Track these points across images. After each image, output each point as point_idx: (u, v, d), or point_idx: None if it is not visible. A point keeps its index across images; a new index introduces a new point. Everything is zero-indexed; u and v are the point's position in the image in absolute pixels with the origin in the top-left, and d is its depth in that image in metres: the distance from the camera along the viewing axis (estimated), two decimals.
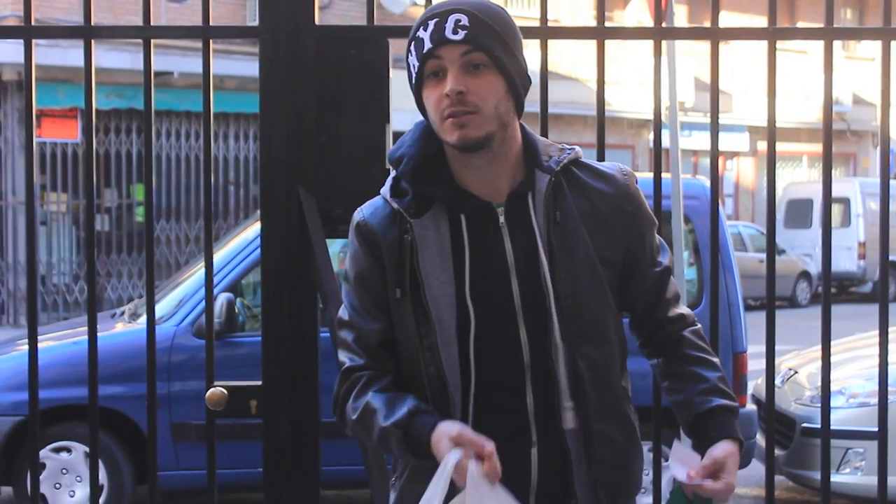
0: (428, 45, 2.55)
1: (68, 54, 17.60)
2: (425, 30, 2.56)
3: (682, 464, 2.63)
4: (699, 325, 2.80)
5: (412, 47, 2.59)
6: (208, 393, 4.12)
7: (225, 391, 4.11)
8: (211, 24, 4.26)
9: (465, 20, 2.53)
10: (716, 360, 2.76)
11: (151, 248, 4.27)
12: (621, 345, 2.72)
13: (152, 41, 4.27)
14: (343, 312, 2.73)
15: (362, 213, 2.73)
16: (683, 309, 2.79)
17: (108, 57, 18.29)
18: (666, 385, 2.78)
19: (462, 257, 2.60)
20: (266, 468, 4.13)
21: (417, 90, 2.61)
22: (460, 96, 2.52)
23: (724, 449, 2.61)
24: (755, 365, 7.73)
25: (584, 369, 2.60)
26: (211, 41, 4.24)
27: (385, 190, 2.71)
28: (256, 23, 4.15)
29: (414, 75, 2.60)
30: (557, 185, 2.62)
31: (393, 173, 2.71)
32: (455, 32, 2.53)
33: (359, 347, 2.68)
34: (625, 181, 2.70)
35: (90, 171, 4.25)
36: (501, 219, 2.62)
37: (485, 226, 2.62)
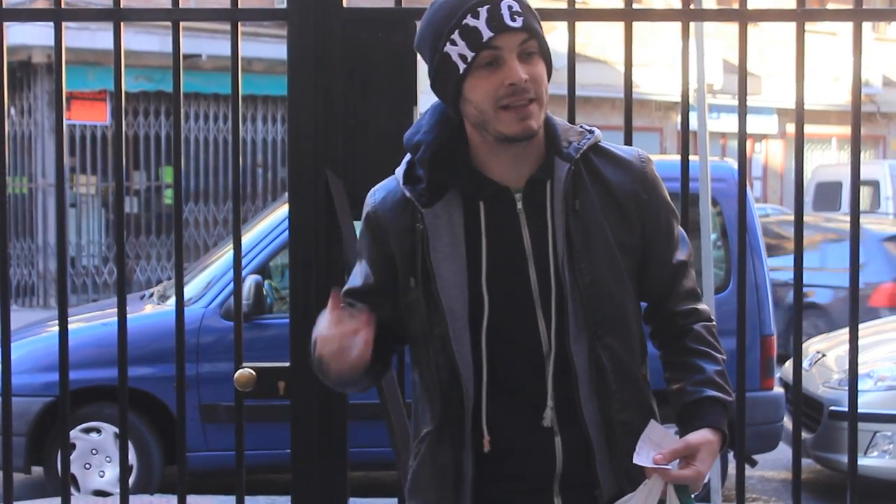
0: (487, 34, 2.46)
1: (97, 37, 17.65)
2: (476, 17, 2.46)
3: (653, 445, 2.54)
4: (713, 323, 2.72)
5: (457, 35, 2.48)
6: (237, 374, 4.14)
7: (253, 372, 4.14)
8: (239, 6, 4.28)
9: (516, 6, 2.48)
10: (720, 355, 2.67)
11: (180, 230, 4.30)
12: (641, 333, 2.69)
13: (181, 24, 4.29)
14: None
15: (374, 198, 2.72)
16: (699, 304, 2.71)
17: (136, 40, 18.32)
18: (666, 375, 2.72)
19: (478, 244, 2.57)
20: (294, 449, 4.15)
21: (459, 83, 2.52)
22: (526, 83, 2.46)
23: (701, 435, 2.54)
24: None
25: (606, 360, 2.57)
26: (239, 24, 4.25)
27: (399, 173, 2.66)
28: (285, 5, 4.16)
29: (462, 66, 2.49)
30: (577, 173, 2.57)
31: (408, 157, 2.66)
32: (513, 20, 2.46)
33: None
34: (642, 167, 2.63)
35: (119, 153, 4.28)
36: (519, 205, 2.58)
37: (502, 212, 2.58)
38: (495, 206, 2.57)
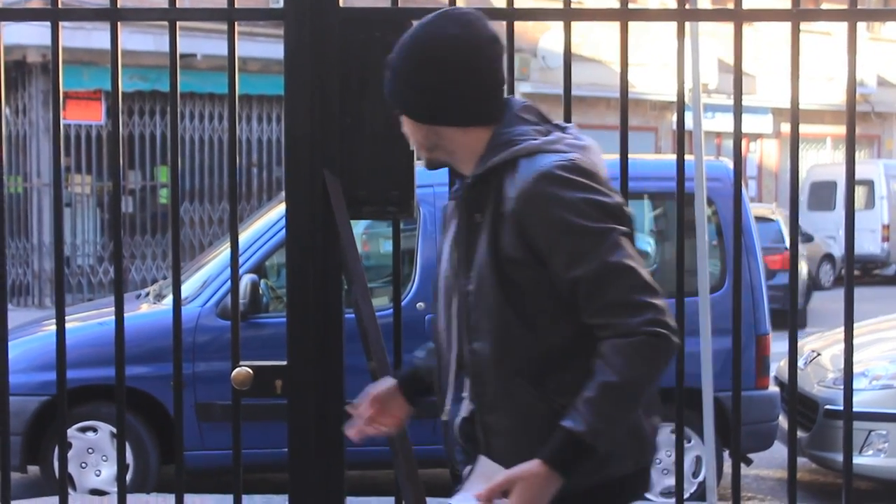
0: None
1: (92, 36, 17.63)
2: None
3: (484, 479, 2.65)
4: (629, 339, 2.61)
5: None
6: (234, 373, 4.15)
7: (251, 371, 4.14)
8: (236, 6, 4.28)
9: (388, 75, 2.87)
10: (603, 375, 2.59)
11: (177, 230, 4.30)
12: (541, 343, 2.73)
13: (177, 23, 4.30)
14: None
15: None
16: (616, 318, 2.63)
17: (131, 39, 18.29)
18: None
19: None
20: (291, 448, 4.16)
21: None
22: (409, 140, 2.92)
23: (522, 469, 2.59)
24: (778, 347, 7.74)
25: (471, 364, 2.78)
26: (236, 24, 4.26)
27: None
28: (281, 5, 4.16)
29: None
30: (477, 188, 2.78)
31: None
32: (386, 89, 2.90)
33: None
34: (530, 187, 2.68)
35: (116, 153, 4.29)
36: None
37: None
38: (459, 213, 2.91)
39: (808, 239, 22.50)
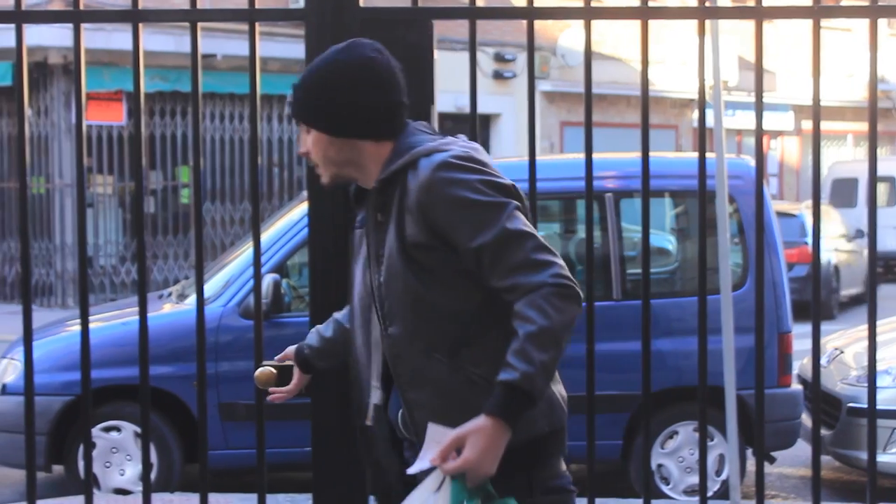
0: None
1: (113, 38, 17.69)
2: None
3: (436, 445, 2.81)
4: (539, 292, 2.85)
5: None
6: (257, 372, 4.16)
7: (274, 370, 4.15)
8: (256, 6, 4.29)
9: (290, 97, 3.12)
10: (523, 328, 2.83)
11: (200, 230, 4.32)
12: (455, 320, 2.98)
13: (199, 24, 4.31)
14: None
15: None
16: (521, 277, 2.88)
17: (152, 40, 18.33)
18: None
19: None
20: (315, 447, 4.17)
21: None
22: (307, 154, 3.13)
23: (471, 425, 2.80)
24: (801, 345, 7.72)
25: (388, 347, 3.02)
26: (257, 24, 4.27)
27: None
28: (301, 5, 4.18)
29: None
30: (383, 192, 3.02)
31: None
32: (288, 108, 3.13)
33: None
34: (425, 176, 2.95)
35: (138, 154, 4.30)
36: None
37: None
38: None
39: (860, 235, 22.21)
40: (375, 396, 3.11)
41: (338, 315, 3.48)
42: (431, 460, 2.79)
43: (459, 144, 3.05)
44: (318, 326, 3.51)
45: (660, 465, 7.89)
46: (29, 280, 4.28)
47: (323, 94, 3.06)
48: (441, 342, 2.97)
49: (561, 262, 2.90)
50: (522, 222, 2.93)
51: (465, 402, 2.90)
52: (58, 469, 7.87)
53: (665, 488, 7.85)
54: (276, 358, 3.53)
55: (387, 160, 3.04)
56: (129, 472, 7.66)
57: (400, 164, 3.00)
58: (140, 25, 4.29)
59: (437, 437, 2.82)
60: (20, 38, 4.36)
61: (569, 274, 2.88)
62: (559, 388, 3.07)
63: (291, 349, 3.52)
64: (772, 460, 8.09)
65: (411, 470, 2.88)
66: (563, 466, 3.07)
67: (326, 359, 3.48)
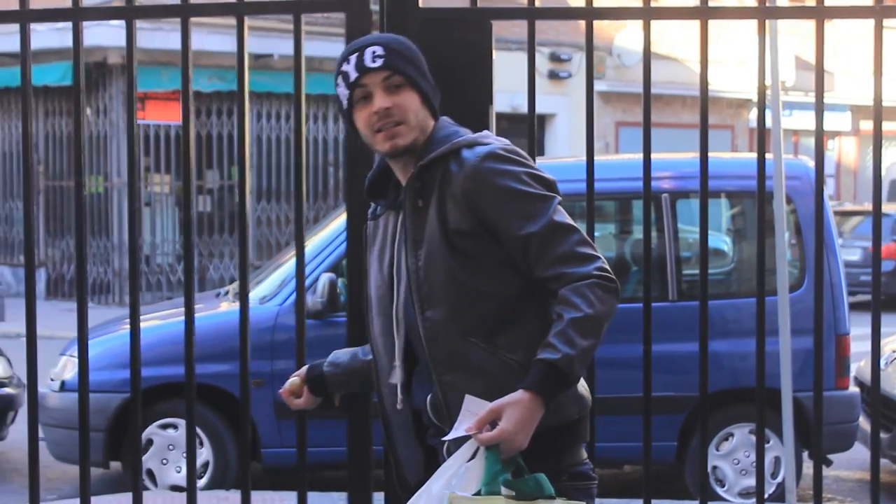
0: (353, 75, 3.09)
1: (171, 37, 17.84)
2: (348, 64, 3.11)
3: (472, 416, 2.88)
4: (584, 282, 2.95)
5: (340, 80, 3.14)
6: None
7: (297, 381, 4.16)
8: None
9: (380, 50, 3.09)
10: (568, 312, 2.92)
11: (245, 229, 4.34)
12: (492, 306, 3.04)
13: (248, 21, 4.35)
14: None
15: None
16: (568, 268, 2.97)
17: (210, 40, 18.48)
18: None
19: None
20: (350, 445, 4.19)
21: (349, 115, 3.15)
22: (388, 111, 3.07)
23: (508, 398, 2.88)
24: (858, 347, 7.65)
25: (425, 329, 3.05)
26: (305, 21, 4.30)
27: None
28: None
29: (345, 104, 3.13)
30: (421, 178, 3.07)
31: None
32: (374, 61, 3.08)
33: None
34: (473, 165, 3.02)
35: (188, 151, 4.34)
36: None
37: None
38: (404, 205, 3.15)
39: None
40: (395, 376, 3.16)
41: (357, 349, 3.52)
42: (467, 429, 2.86)
43: (494, 138, 3.13)
44: (338, 352, 3.54)
45: (715, 467, 7.86)
46: (84, 278, 4.33)
47: (412, 55, 3.14)
48: (479, 327, 3.03)
49: (602, 257, 3.00)
50: (566, 216, 3.03)
51: (502, 385, 2.96)
52: (115, 465, 7.95)
53: (720, 490, 7.82)
54: (292, 376, 3.50)
55: (424, 146, 3.10)
56: (185, 469, 7.71)
57: (441, 151, 3.06)
58: (189, 21, 4.33)
59: (474, 407, 2.89)
60: (77, 35, 4.41)
61: (609, 269, 2.98)
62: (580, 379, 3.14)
63: (304, 369, 3.51)
64: (828, 463, 8.04)
65: (446, 438, 2.94)
66: (585, 454, 3.14)
67: (346, 377, 3.47)
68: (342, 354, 3.49)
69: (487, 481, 2.82)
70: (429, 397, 3.10)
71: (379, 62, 3.08)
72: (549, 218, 2.99)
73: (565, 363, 2.87)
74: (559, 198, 3.05)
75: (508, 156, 3.04)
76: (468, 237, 3.02)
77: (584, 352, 2.91)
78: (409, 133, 3.08)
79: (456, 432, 2.90)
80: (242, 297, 4.44)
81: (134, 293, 4.34)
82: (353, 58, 3.10)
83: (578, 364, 2.90)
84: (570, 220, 3.03)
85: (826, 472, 8.37)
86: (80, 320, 4.37)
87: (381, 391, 3.24)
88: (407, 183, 3.10)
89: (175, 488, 7.66)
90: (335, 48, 18.72)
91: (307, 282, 7.79)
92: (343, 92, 3.13)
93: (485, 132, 3.18)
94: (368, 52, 3.09)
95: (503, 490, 2.81)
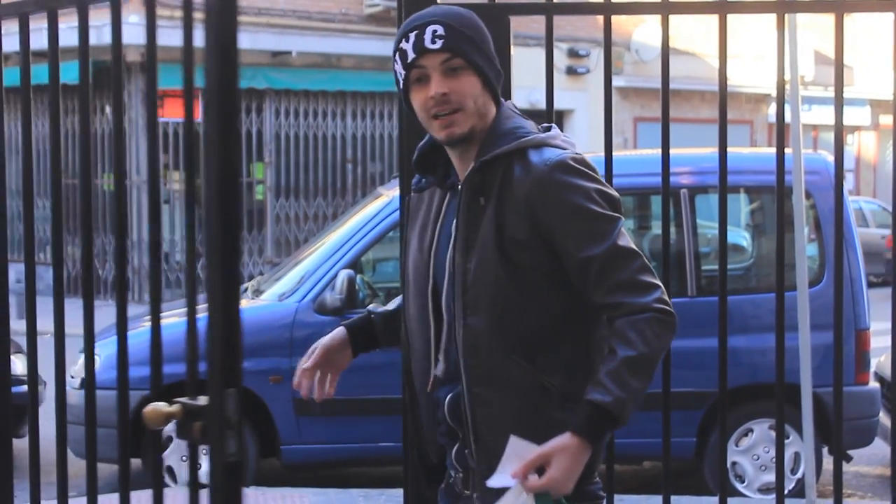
0: (411, 55, 2.92)
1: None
2: (407, 41, 2.93)
3: (517, 459, 2.77)
4: (642, 315, 2.83)
5: (397, 57, 2.97)
6: (145, 410, 4.05)
7: (165, 409, 4.09)
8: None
9: (441, 30, 2.90)
10: (623, 350, 2.80)
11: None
12: (541, 322, 2.91)
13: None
14: None
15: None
16: (627, 298, 2.85)
17: None
18: None
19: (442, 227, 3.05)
20: (406, 441, 4.19)
21: (406, 95, 2.99)
22: (444, 97, 2.89)
23: (556, 442, 2.76)
24: (878, 342, 7.63)
25: (464, 336, 2.92)
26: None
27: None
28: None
29: (401, 82, 2.97)
30: (482, 172, 2.92)
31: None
32: (434, 42, 2.90)
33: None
34: (541, 172, 2.87)
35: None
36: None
37: (454, 201, 3.01)
38: (454, 197, 3.01)
39: None
40: (439, 369, 3.03)
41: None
42: (513, 474, 2.76)
43: (563, 139, 2.99)
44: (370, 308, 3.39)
45: (734, 463, 7.85)
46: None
47: (486, 39, 2.98)
48: (521, 344, 2.91)
49: (663, 287, 2.89)
50: (630, 241, 2.91)
51: (535, 407, 2.88)
52: (136, 462, 7.97)
53: (739, 486, 7.81)
54: (310, 361, 3.26)
55: (487, 138, 2.95)
56: (205, 465, 7.70)
57: (506, 149, 2.92)
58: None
59: (520, 451, 2.78)
60: (119, 33, 4.36)
61: (669, 301, 2.88)
62: None
63: (341, 331, 3.30)
64: (848, 459, 8.01)
65: (489, 482, 2.83)
66: (596, 474, 3.04)
67: (392, 325, 3.29)
68: (377, 310, 3.33)
69: None
70: (449, 397, 3.01)
71: (439, 43, 2.90)
72: (612, 242, 2.87)
73: (616, 407, 2.76)
74: (623, 219, 2.94)
75: (579, 168, 2.90)
76: (521, 247, 2.89)
77: (636, 394, 2.79)
78: (466, 121, 2.92)
79: (501, 478, 2.79)
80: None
81: (156, 291, 4.35)
82: (412, 35, 2.92)
83: (630, 407, 2.79)
84: (632, 245, 2.90)
85: (846, 467, 8.35)
86: (120, 321, 4.37)
87: (413, 369, 3.13)
88: (466, 177, 2.95)
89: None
90: (353, 45, 18.73)
91: (325, 278, 7.80)
92: (400, 70, 2.97)
93: (554, 131, 3.02)
94: (429, 30, 2.91)
95: None
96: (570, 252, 2.86)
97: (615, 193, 2.96)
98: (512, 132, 2.95)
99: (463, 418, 2.97)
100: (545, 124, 3.08)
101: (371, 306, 3.39)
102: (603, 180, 2.95)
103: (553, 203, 2.86)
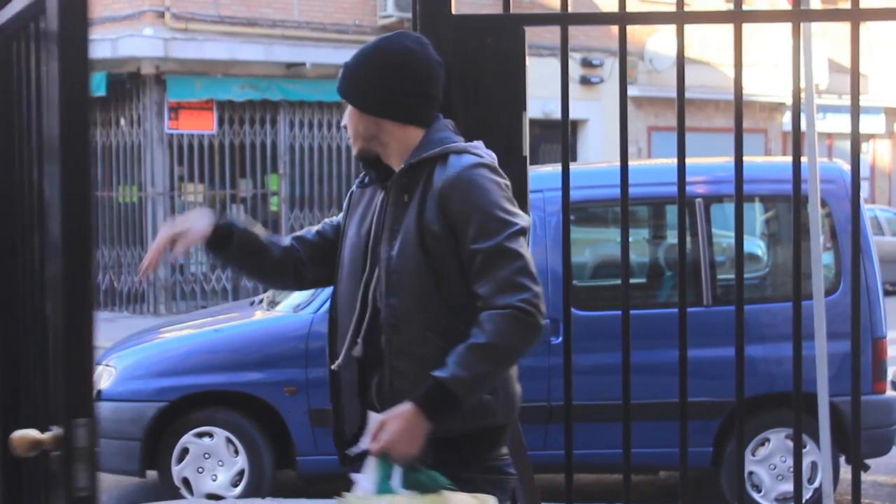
0: None
1: (204, 47, 17.93)
2: None
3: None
4: (503, 311, 3.10)
5: None
6: (14, 435, 3.97)
7: (35, 438, 4.05)
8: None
9: (344, 73, 3.37)
10: (475, 337, 3.09)
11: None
12: (448, 304, 3.20)
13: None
14: None
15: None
16: (495, 293, 3.12)
17: (242, 49, 18.57)
18: None
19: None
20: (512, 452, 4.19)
21: None
22: (345, 126, 3.42)
23: (392, 411, 3.09)
24: (895, 351, 7.61)
25: (387, 315, 3.23)
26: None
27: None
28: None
29: None
30: (409, 174, 3.27)
31: None
32: (340, 86, 3.38)
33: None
34: (456, 173, 3.22)
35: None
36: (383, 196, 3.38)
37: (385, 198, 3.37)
38: (386, 196, 3.35)
39: None
40: (357, 350, 3.30)
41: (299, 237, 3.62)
42: (367, 447, 3.14)
43: (484, 151, 3.32)
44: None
45: (751, 473, 7.82)
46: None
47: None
48: (436, 322, 3.20)
49: (539, 291, 3.13)
50: (521, 244, 3.18)
51: None
52: (152, 474, 7.98)
53: (756, 496, 7.78)
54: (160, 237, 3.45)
55: (417, 147, 3.30)
56: (221, 477, 7.73)
57: (431, 153, 3.26)
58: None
59: (372, 422, 3.15)
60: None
61: (540, 305, 3.11)
62: (517, 388, 3.33)
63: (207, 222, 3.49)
64: (866, 468, 7.99)
65: (353, 451, 3.29)
66: (505, 452, 3.31)
67: (249, 245, 3.50)
68: (275, 237, 3.60)
69: (378, 483, 3.09)
70: (376, 378, 3.28)
71: (337, 85, 3.39)
72: (500, 240, 3.15)
73: (453, 384, 3.04)
74: (521, 226, 3.19)
75: (489, 175, 3.23)
76: (438, 239, 3.20)
77: (479, 377, 3.08)
78: (356, 143, 3.38)
79: (361, 446, 3.24)
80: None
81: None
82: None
83: (470, 387, 3.07)
84: (522, 250, 3.16)
85: (863, 476, 8.31)
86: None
87: (334, 347, 3.42)
88: (393, 178, 3.31)
89: (211, 496, 7.68)
90: None
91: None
92: None
93: (477, 143, 3.35)
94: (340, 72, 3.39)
95: (402, 491, 3.06)
96: (464, 244, 3.18)
97: (518, 209, 3.25)
98: (440, 141, 3.30)
99: (386, 393, 3.24)
100: (479, 142, 3.40)
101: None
102: (510, 194, 3.27)
103: (460, 198, 3.18)
